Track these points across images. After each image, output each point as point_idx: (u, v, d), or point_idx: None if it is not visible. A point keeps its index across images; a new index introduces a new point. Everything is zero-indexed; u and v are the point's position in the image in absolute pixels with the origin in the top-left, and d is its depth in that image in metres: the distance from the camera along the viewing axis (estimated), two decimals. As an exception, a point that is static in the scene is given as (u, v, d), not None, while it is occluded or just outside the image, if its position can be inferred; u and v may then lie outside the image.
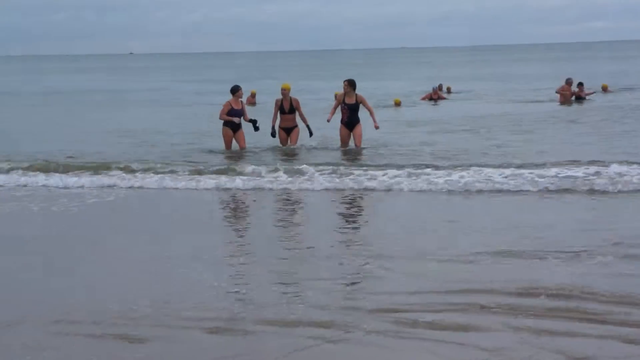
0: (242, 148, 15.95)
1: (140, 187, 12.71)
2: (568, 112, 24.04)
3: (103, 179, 13.16)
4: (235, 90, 15.92)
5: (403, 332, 5.71)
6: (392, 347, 5.46)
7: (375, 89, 35.78)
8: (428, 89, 33.20)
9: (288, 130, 16.25)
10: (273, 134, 16.15)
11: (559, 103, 26.72)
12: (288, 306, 6.31)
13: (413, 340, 5.56)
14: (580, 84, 27.60)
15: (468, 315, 5.98)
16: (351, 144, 15.83)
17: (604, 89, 31.89)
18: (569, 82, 27.40)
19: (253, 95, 30.99)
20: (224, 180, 12.70)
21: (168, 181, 12.91)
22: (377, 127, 15.80)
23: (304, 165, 13.22)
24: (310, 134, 16.21)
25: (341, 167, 13.10)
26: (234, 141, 15.99)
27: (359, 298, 6.49)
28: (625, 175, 11.61)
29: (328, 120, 15.98)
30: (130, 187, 12.75)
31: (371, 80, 45.27)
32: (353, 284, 6.96)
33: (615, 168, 11.99)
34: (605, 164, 12.38)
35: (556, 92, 27.48)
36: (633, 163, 12.42)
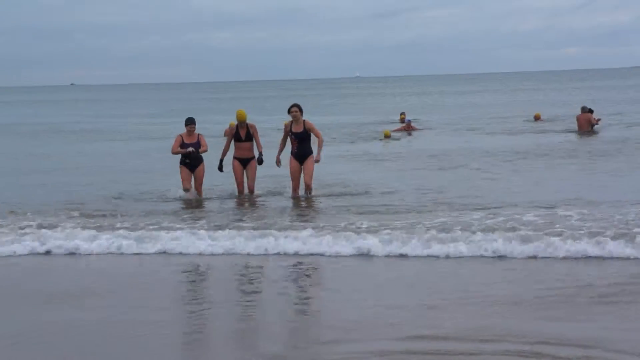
0: (197, 188, 14.29)
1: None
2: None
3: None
4: (188, 123, 14.27)
5: None
6: None
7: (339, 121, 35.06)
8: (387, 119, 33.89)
9: (244, 162, 14.27)
10: (220, 167, 14.44)
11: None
12: None
13: None
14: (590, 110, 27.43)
15: None
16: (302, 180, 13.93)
17: (536, 118, 33.40)
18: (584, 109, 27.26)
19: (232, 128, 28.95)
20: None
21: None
22: (317, 161, 13.79)
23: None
24: (260, 161, 14.12)
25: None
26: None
27: None
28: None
29: (277, 163, 14.11)
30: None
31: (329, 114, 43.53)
32: None
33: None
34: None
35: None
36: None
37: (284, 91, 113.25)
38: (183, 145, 14.12)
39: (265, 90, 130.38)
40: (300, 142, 13.69)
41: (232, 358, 6.11)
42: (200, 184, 14.23)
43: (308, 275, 8.96)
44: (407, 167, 18.52)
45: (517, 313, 6.97)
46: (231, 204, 13.66)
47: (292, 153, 13.84)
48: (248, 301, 7.74)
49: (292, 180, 13.91)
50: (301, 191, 13.82)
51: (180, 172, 14.23)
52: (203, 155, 14.21)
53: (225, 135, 27.92)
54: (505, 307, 7.15)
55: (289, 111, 13.73)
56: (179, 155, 14.23)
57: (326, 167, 15.44)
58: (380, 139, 27.13)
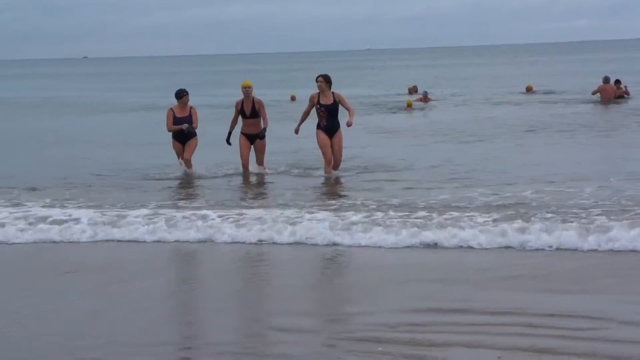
0: (186, 159, 13.61)
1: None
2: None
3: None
4: (179, 95, 13.64)
5: None
6: None
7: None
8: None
9: (251, 138, 13.54)
10: (228, 140, 13.79)
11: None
12: None
13: None
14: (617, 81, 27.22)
15: None
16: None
17: (528, 90, 32.83)
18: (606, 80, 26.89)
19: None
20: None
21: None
22: (349, 124, 12.86)
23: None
24: (262, 136, 13.49)
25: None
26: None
27: None
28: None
29: (296, 132, 13.44)
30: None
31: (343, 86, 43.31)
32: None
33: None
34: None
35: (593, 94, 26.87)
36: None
37: (293, 64, 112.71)
38: (175, 119, 13.53)
39: (274, 63, 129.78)
40: (330, 115, 12.98)
41: (250, 327, 6.21)
42: (190, 154, 13.60)
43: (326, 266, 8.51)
44: (428, 140, 18.30)
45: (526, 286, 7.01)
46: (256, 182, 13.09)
47: (319, 127, 13.07)
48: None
49: (324, 154, 13.09)
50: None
51: (174, 147, 13.72)
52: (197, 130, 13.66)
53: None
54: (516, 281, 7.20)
55: (316, 81, 13.15)
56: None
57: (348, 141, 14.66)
58: (404, 109, 27.62)
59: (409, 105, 28.27)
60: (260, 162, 13.65)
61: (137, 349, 5.74)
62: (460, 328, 5.92)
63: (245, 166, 13.56)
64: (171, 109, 13.69)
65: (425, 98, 30.20)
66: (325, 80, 12.99)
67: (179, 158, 13.71)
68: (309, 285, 7.49)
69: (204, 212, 10.13)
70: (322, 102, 12.97)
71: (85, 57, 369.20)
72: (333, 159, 13.05)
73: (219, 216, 9.89)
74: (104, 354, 5.65)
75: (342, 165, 13.35)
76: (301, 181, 12.86)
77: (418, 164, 14.16)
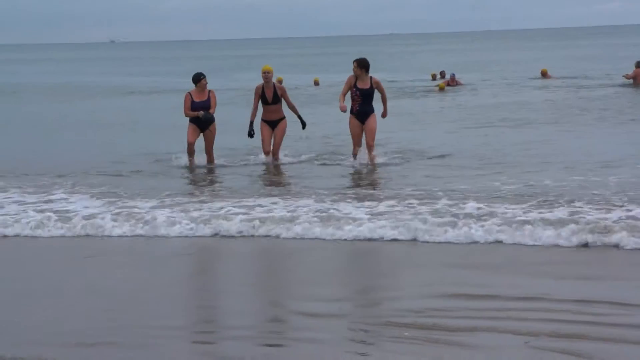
0: (207, 151, 13.14)
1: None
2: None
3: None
4: (197, 79, 13.04)
5: None
6: None
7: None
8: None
9: (272, 124, 13.13)
10: (250, 133, 13.27)
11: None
12: None
13: None
14: None
15: None
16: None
17: (544, 75, 32.31)
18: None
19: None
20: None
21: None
22: (384, 116, 12.95)
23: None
24: (304, 125, 13.34)
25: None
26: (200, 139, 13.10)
27: None
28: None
29: (342, 109, 12.59)
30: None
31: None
32: None
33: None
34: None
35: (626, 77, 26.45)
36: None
37: (314, 49, 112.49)
38: (193, 103, 12.92)
39: (296, 47, 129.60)
40: (364, 100, 12.63)
41: (275, 312, 6.27)
42: (211, 146, 13.09)
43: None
44: (462, 125, 18.17)
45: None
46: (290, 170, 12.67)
47: (352, 111, 12.73)
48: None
49: (353, 139, 12.85)
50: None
51: (188, 128, 12.99)
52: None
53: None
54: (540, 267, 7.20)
55: (356, 65, 12.66)
56: None
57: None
58: (435, 92, 27.87)
59: (441, 89, 28.32)
60: (277, 149, 13.19)
61: (158, 332, 5.79)
62: (487, 313, 5.93)
63: (268, 153, 13.18)
64: (189, 93, 13.10)
65: (453, 81, 29.99)
66: (359, 65, 12.61)
67: (188, 137, 12.97)
68: (335, 271, 7.51)
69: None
70: (359, 85, 12.66)
71: (112, 41, 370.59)
72: (366, 143, 12.69)
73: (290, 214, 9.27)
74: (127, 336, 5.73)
75: (380, 151, 13.14)
76: (334, 170, 12.49)
77: (457, 149, 13.98)
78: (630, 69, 26.84)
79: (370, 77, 12.71)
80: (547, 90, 27.05)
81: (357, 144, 12.82)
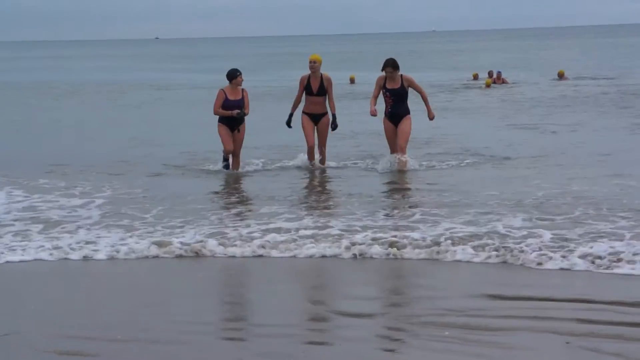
0: (235, 153, 12.32)
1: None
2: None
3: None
4: (232, 75, 12.21)
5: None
6: None
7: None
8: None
9: (315, 118, 12.34)
10: (289, 123, 12.51)
11: None
12: None
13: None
14: None
15: None
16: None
17: (560, 76, 32.07)
18: None
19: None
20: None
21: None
22: (432, 118, 12.22)
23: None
24: (334, 126, 12.36)
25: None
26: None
27: None
28: None
29: (373, 114, 11.91)
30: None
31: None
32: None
33: None
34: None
35: None
36: None
37: (355, 45, 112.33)
38: (226, 101, 12.11)
39: (339, 45, 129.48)
40: (396, 101, 11.87)
41: (313, 310, 6.30)
42: (240, 148, 12.35)
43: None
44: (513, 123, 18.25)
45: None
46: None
47: (385, 113, 12.01)
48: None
49: (390, 145, 12.09)
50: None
51: (219, 131, 12.18)
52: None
53: None
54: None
55: (382, 69, 11.97)
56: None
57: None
58: (482, 88, 28.18)
59: (488, 86, 28.37)
60: (323, 144, 12.45)
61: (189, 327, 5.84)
62: (527, 312, 5.92)
63: (312, 147, 12.37)
64: (222, 90, 12.26)
65: (499, 79, 29.70)
66: (391, 67, 11.81)
67: (225, 145, 12.18)
68: (373, 271, 7.52)
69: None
70: (388, 86, 11.91)
71: (156, 38, 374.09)
72: (398, 145, 11.89)
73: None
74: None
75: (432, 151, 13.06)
76: (369, 179, 11.62)
77: (514, 151, 13.74)
78: None
79: (401, 75, 11.90)
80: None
81: (392, 148, 12.05)
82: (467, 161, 12.75)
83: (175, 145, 15.25)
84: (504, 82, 29.71)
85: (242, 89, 12.28)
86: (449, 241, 7.76)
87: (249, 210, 9.66)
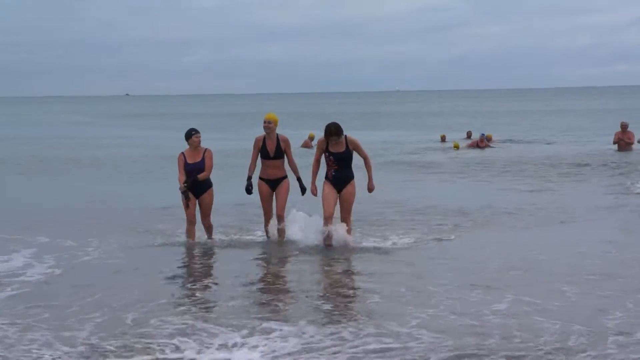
0: (205, 227, 11.45)
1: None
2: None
3: None
4: (187, 135, 11.19)
5: None
6: None
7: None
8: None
9: (273, 184, 11.18)
10: (248, 189, 11.19)
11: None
12: None
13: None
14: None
15: None
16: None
17: (488, 140, 29.95)
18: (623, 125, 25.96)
19: (311, 139, 28.17)
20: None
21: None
22: (371, 189, 11.04)
23: None
24: (303, 190, 11.28)
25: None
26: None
27: None
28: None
29: (314, 192, 10.96)
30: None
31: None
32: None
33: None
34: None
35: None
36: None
37: (312, 106, 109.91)
38: (187, 166, 11.04)
39: (299, 103, 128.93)
40: (341, 165, 10.77)
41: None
42: (208, 216, 11.27)
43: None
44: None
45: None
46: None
47: (327, 177, 10.84)
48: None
49: (325, 210, 10.76)
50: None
51: (183, 204, 11.12)
52: (210, 177, 11.22)
53: (303, 146, 26.99)
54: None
55: (325, 137, 10.82)
56: None
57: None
58: (454, 150, 28.02)
59: (456, 148, 27.91)
60: (281, 211, 11.21)
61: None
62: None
63: (270, 217, 11.30)
64: (182, 153, 11.17)
65: (482, 142, 28.53)
66: (333, 133, 10.67)
67: (187, 214, 11.17)
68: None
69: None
70: (331, 149, 10.77)
71: (127, 95, 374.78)
72: (341, 215, 10.87)
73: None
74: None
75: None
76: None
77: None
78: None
79: (345, 137, 10.78)
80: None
81: (327, 213, 10.77)
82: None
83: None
84: (487, 145, 28.57)
85: (205, 149, 11.16)
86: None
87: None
